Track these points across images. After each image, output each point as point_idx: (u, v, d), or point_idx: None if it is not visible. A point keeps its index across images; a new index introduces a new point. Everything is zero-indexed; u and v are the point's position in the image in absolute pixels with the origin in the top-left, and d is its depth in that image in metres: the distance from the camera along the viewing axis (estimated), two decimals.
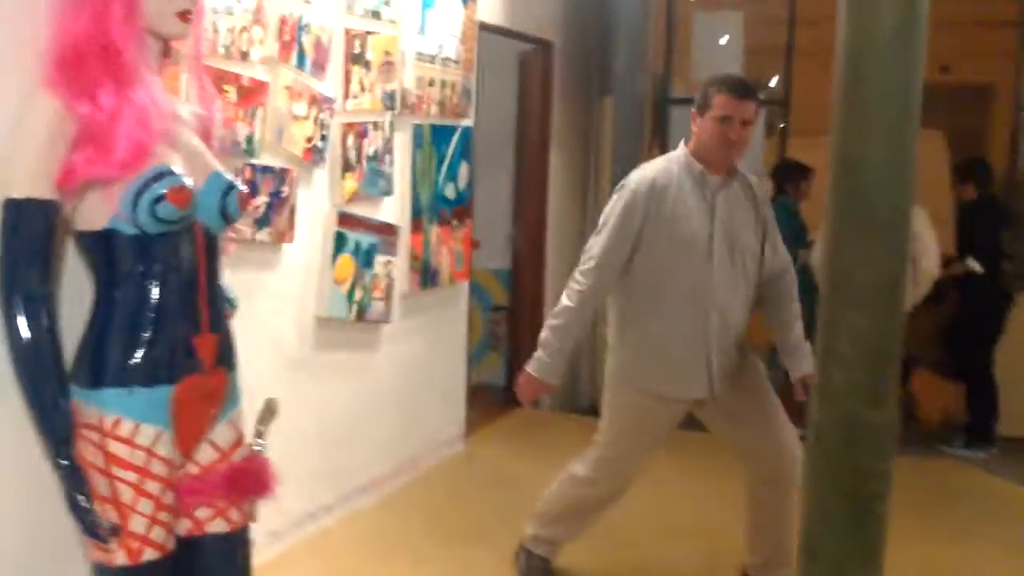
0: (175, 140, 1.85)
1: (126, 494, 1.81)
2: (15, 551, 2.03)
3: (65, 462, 1.77)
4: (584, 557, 3.62)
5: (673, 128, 6.33)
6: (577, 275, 3.16)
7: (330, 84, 3.68)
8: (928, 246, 5.28)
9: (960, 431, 5.86)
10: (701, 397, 3.18)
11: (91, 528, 1.78)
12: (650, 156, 6.30)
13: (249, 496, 2.04)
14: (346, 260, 3.84)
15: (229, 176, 1.93)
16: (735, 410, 3.21)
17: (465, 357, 5.02)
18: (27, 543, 2.05)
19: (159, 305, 1.82)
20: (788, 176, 5.81)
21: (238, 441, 2.02)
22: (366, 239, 3.93)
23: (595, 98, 6.18)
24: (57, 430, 1.76)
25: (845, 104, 1.61)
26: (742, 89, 3.06)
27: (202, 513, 1.97)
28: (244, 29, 3.21)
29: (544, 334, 3.18)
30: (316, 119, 3.58)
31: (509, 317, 6.21)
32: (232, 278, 2.30)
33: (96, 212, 1.77)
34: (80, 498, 1.77)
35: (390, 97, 3.99)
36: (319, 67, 3.58)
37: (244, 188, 1.95)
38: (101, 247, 1.80)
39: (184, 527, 1.96)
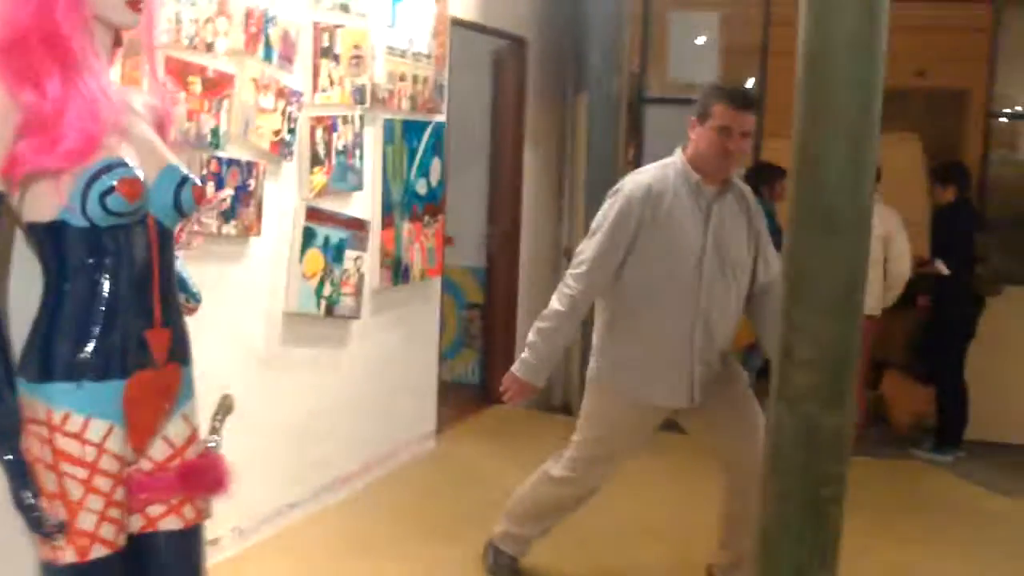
0: (127, 131, 1.81)
1: (75, 490, 1.77)
2: None
3: (9, 456, 1.73)
4: (553, 558, 3.61)
5: (648, 127, 6.32)
6: (568, 279, 3.14)
7: (298, 77, 3.64)
8: (900, 248, 5.30)
9: (930, 434, 5.89)
10: (681, 406, 3.18)
11: (38, 525, 1.75)
12: (627, 156, 6.32)
13: (203, 493, 2.00)
14: (315, 255, 3.81)
15: (184, 169, 1.90)
16: (715, 417, 3.21)
17: (437, 354, 5.00)
18: None
19: (110, 299, 1.79)
20: (764, 177, 5.81)
21: (192, 437, 1.99)
22: (335, 234, 3.90)
23: (570, 96, 6.16)
24: (2, 424, 1.72)
25: (806, 107, 1.60)
26: (742, 100, 3.05)
27: (155, 510, 1.94)
28: (209, 20, 3.17)
29: (532, 336, 3.16)
30: (284, 112, 3.55)
31: (484, 315, 6.19)
32: (197, 271, 2.27)
33: (45, 204, 1.74)
34: (26, 494, 1.74)
35: (360, 91, 3.96)
36: (287, 60, 3.54)
37: (199, 181, 1.91)
38: (51, 239, 1.77)
39: (137, 524, 1.93)
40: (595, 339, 3.26)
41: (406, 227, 4.45)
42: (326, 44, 3.76)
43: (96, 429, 1.78)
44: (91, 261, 1.77)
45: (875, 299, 5.33)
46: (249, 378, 3.59)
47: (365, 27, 3.99)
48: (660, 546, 3.89)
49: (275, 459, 3.78)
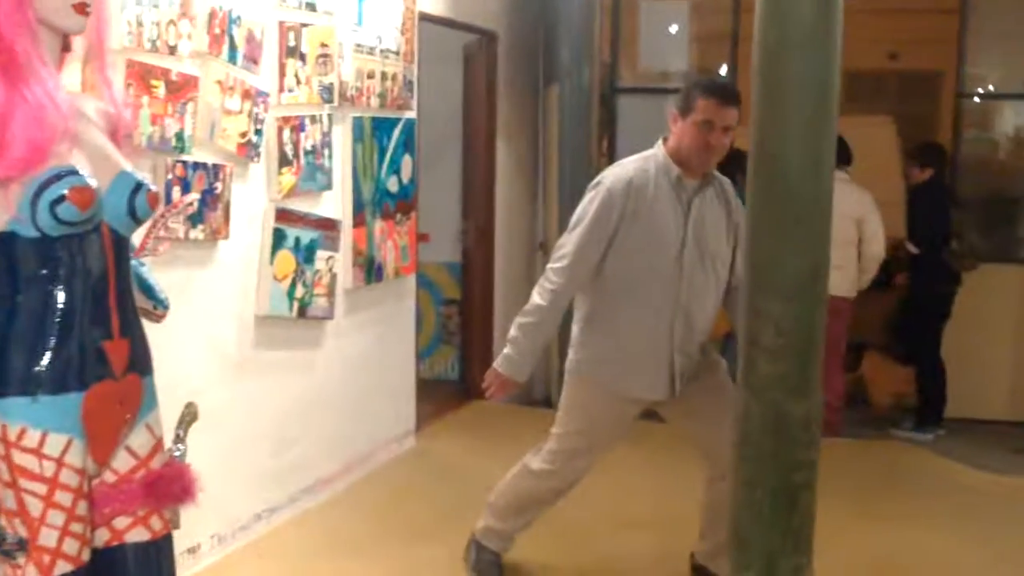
0: (78, 138, 1.78)
1: (34, 507, 1.74)
2: None
3: None
4: (536, 551, 3.60)
5: (621, 117, 6.31)
6: (549, 273, 3.13)
7: (264, 78, 3.61)
8: (873, 230, 5.31)
9: (910, 413, 5.92)
10: (661, 398, 3.17)
11: None
12: (601, 147, 6.30)
13: (169, 503, 1.97)
14: (285, 256, 3.78)
15: (138, 175, 1.86)
16: (693, 406, 3.21)
17: (414, 352, 4.98)
18: None
19: (65, 310, 1.75)
20: (738, 164, 5.80)
21: (157, 447, 1.96)
22: (306, 235, 3.87)
23: (541, 89, 6.14)
24: None
25: (763, 98, 1.59)
26: (726, 94, 3.03)
27: (121, 522, 1.91)
28: (171, 22, 3.13)
29: (514, 332, 3.14)
30: (250, 113, 3.51)
31: (461, 310, 6.18)
32: (165, 277, 2.24)
33: None
34: None
35: (327, 90, 3.93)
36: (252, 60, 3.51)
37: (153, 187, 1.88)
38: (1, 250, 1.73)
39: (103, 537, 1.90)
40: (574, 332, 3.25)
41: (378, 225, 4.42)
42: (292, 43, 3.73)
43: (54, 443, 1.75)
44: (44, 272, 1.74)
45: (850, 281, 5.35)
46: (223, 383, 3.56)
47: (332, 25, 3.95)
48: (643, 536, 3.89)
49: (252, 463, 3.76)
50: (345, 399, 4.34)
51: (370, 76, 4.26)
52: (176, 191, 3.20)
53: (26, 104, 1.67)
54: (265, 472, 3.83)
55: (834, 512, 3.95)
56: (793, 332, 1.64)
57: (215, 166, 3.38)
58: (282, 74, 3.68)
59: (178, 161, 3.22)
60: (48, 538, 1.75)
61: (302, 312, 3.90)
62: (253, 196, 3.65)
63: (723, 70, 6.70)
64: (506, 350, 3.16)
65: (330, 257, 4.03)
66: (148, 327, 2.03)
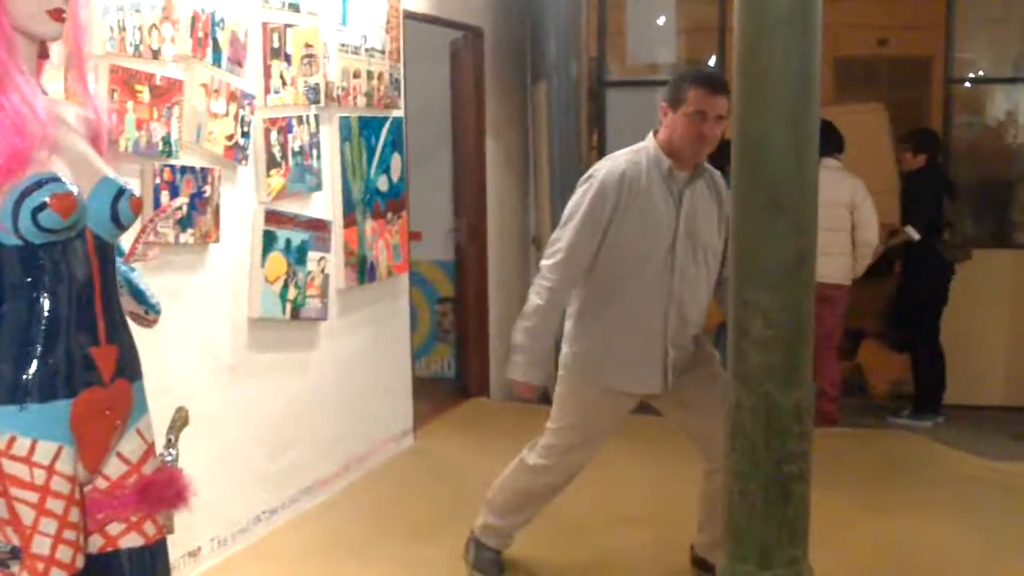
0: (58, 145, 1.77)
1: (26, 515, 1.74)
2: None
3: None
4: (534, 547, 3.59)
5: (610, 111, 6.30)
6: (544, 271, 3.11)
7: (250, 79, 3.60)
8: (866, 216, 5.31)
9: (908, 401, 5.92)
10: (655, 392, 3.17)
11: None
12: (591, 141, 6.30)
13: (162, 508, 1.97)
14: (277, 258, 3.77)
15: (120, 180, 1.86)
16: (689, 399, 3.20)
17: (409, 350, 4.97)
18: None
19: (51, 317, 1.75)
20: (727, 156, 5.80)
21: (148, 452, 1.96)
22: (297, 236, 3.86)
23: (530, 84, 6.13)
24: None
25: (744, 87, 1.58)
26: (716, 84, 3.02)
27: (114, 528, 1.91)
28: (154, 27, 3.12)
29: (519, 338, 3.11)
30: (236, 116, 3.50)
31: (455, 308, 6.17)
32: (156, 282, 2.23)
33: None
34: None
35: (314, 90, 3.92)
36: (236, 63, 3.50)
37: (136, 192, 1.87)
38: None
39: (96, 544, 1.90)
40: (567, 326, 3.24)
41: (369, 225, 4.41)
42: (276, 44, 3.71)
43: (44, 451, 1.74)
44: (28, 280, 1.73)
45: (844, 268, 5.34)
46: (217, 387, 3.56)
47: (316, 25, 3.94)
48: (641, 530, 3.89)
49: (250, 466, 3.75)
50: (341, 399, 4.34)
51: (356, 75, 4.25)
52: (164, 195, 3.19)
53: (3, 112, 1.66)
54: (263, 474, 3.83)
55: (833, 501, 3.96)
56: (781, 322, 1.63)
57: (203, 170, 3.37)
58: (267, 76, 3.67)
59: (165, 165, 3.21)
60: (41, 546, 1.75)
61: (295, 314, 3.89)
62: (242, 199, 3.64)
63: (711, 61, 6.69)
64: (515, 357, 3.12)
65: (322, 258, 4.02)
66: (140, 332, 2.03)
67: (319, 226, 4.00)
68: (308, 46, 3.87)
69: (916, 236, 5.61)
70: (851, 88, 9.06)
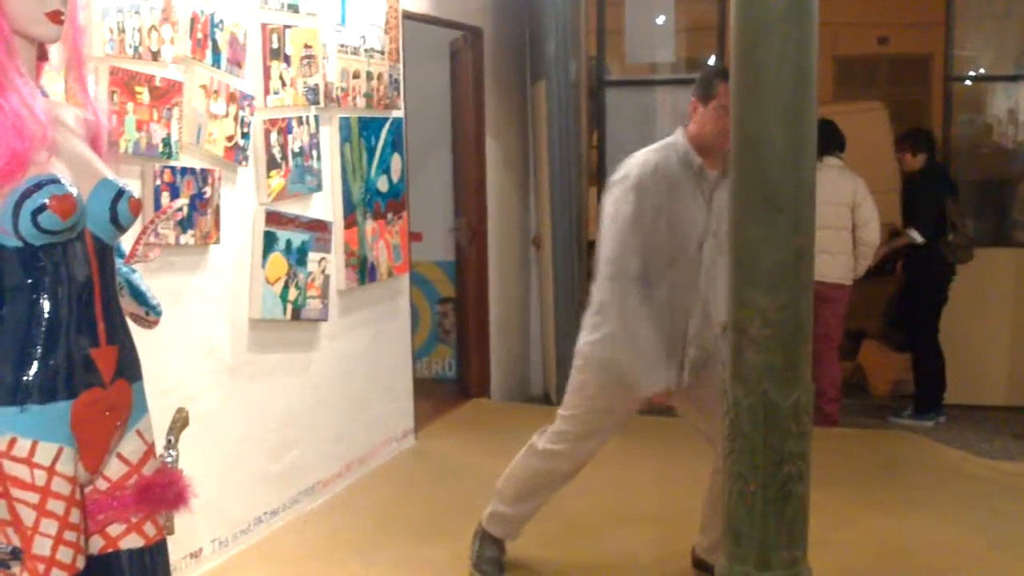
0: (58, 147, 1.77)
1: (27, 516, 1.74)
2: None
3: None
4: (536, 547, 3.59)
5: (610, 110, 6.30)
6: (606, 289, 3.03)
7: (249, 81, 3.60)
8: (867, 215, 5.30)
9: (910, 401, 5.91)
10: (669, 388, 3.10)
11: None
12: (591, 140, 6.30)
13: (163, 509, 1.97)
14: (277, 259, 3.77)
15: (120, 182, 1.86)
16: (703, 396, 3.17)
17: (410, 351, 4.97)
18: None
19: (51, 319, 1.75)
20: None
21: (148, 453, 1.96)
22: (297, 237, 3.87)
23: (529, 84, 6.13)
24: None
25: (741, 86, 1.58)
26: None
27: (115, 529, 1.91)
28: (153, 28, 3.12)
29: (622, 358, 3.03)
30: (236, 117, 3.50)
31: (456, 308, 6.17)
32: (157, 283, 2.24)
33: None
34: None
35: (313, 91, 3.92)
36: (236, 64, 3.50)
37: (135, 194, 1.88)
38: None
39: (97, 545, 1.90)
40: (588, 313, 3.18)
41: (369, 225, 4.41)
42: (276, 45, 3.72)
43: (45, 452, 1.74)
44: (28, 281, 1.73)
45: (845, 268, 5.34)
46: (218, 388, 3.56)
47: (315, 26, 3.94)
48: (644, 530, 3.88)
49: (251, 467, 3.76)
50: (342, 400, 4.34)
51: (356, 76, 4.25)
52: (165, 197, 3.19)
53: (3, 114, 1.66)
54: (264, 475, 3.83)
55: (834, 501, 3.97)
56: (779, 322, 1.63)
57: (203, 171, 3.37)
58: (267, 76, 3.68)
59: (165, 167, 3.21)
60: (42, 547, 1.75)
61: (296, 314, 3.89)
62: (243, 200, 3.64)
63: (711, 61, 6.69)
64: (629, 380, 3.04)
65: (322, 259, 4.02)
66: (141, 333, 2.03)
67: (319, 227, 4.00)
68: (307, 47, 3.88)
69: (919, 239, 5.60)
70: (851, 86, 9.07)
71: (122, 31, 3.00)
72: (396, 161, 4.63)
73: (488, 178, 5.77)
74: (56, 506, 1.76)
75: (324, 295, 4.05)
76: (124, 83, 3.02)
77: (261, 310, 3.70)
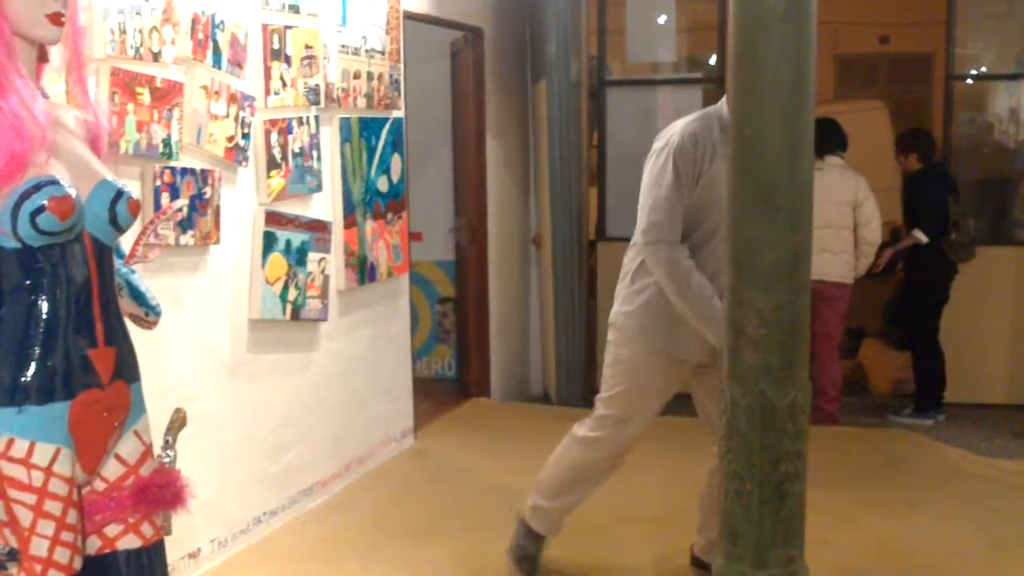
0: (57, 148, 1.78)
1: (24, 517, 1.74)
2: None
3: None
4: (551, 548, 3.57)
5: (611, 110, 6.30)
6: (648, 250, 2.93)
7: (250, 81, 3.61)
8: (868, 214, 5.31)
9: (910, 399, 5.91)
10: (705, 360, 3.02)
11: None
12: (592, 140, 6.30)
13: (160, 509, 1.97)
14: (277, 259, 3.78)
15: (119, 183, 1.86)
16: (716, 387, 3.09)
17: (410, 351, 4.98)
18: None
19: (49, 320, 1.76)
20: None
21: (146, 454, 1.96)
22: (297, 237, 3.87)
23: (530, 84, 6.13)
24: None
25: (739, 85, 1.59)
26: None
27: (112, 530, 1.91)
28: (154, 29, 3.13)
29: (692, 315, 2.89)
30: (237, 117, 3.51)
31: (456, 308, 6.18)
32: (157, 283, 2.24)
33: None
34: None
35: (314, 92, 3.93)
36: (237, 64, 3.50)
37: (134, 195, 1.88)
38: None
39: (94, 545, 1.90)
40: (623, 283, 3.12)
41: (369, 225, 4.42)
42: (276, 46, 3.72)
43: (42, 453, 1.75)
44: (27, 282, 1.74)
45: (846, 267, 5.34)
46: (218, 388, 3.57)
47: (316, 27, 3.95)
48: (646, 529, 3.88)
49: (250, 467, 3.76)
50: (342, 400, 4.34)
51: (356, 76, 4.26)
52: (165, 197, 3.20)
53: (2, 115, 1.67)
54: (264, 475, 3.84)
55: (834, 500, 3.97)
56: (777, 321, 1.64)
57: (203, 171, 3.38)
58: (267, 77, 3.68)
59: (166, 167, 3.22)
60: (39, 548, 1.75)
61: (295, 314, 3.90)
62: (243, 200, 3.65)
63: (712, 60, 6.70)
64: (710, 331, 2.85)
65: (322, 259, 4.03)
66: (140, 334, 2.04)
67: (319, 227, 4.01)
68: (308, 47, 3.88)
69: (924, 239, 5.60)
70: (852, 85, 9.07)
71: (123, 32, 3.01)
72: (396, 161, 4.64)
73: (488, 178, 5.78)
74: (53, 507, 1.77)
75: (324, 295, 4.05)
76: (125, 84, 3.03)
77: (261, 310, 3.71)
